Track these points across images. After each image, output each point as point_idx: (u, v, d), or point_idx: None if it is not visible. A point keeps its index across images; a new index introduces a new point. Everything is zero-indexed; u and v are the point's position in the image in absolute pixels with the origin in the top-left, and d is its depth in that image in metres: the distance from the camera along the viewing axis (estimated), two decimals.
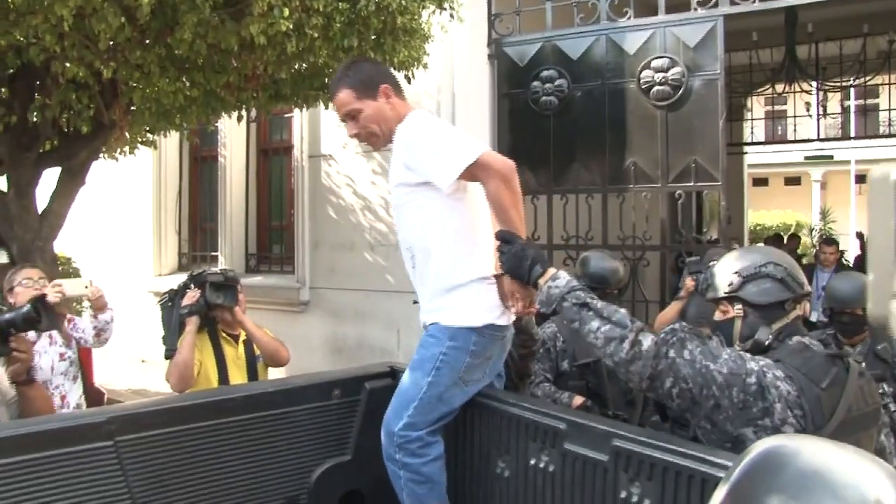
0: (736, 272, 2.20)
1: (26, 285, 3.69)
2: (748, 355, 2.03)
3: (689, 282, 4.20)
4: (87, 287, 3.83)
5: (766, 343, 2.10)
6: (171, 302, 3.84)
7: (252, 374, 3.79)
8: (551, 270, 2.25)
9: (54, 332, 3.73)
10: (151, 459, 1.98)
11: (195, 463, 2.06)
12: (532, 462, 2.17)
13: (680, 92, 5.60)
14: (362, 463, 2.37)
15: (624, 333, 2.06)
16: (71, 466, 1.86)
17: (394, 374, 2.65)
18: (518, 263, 2.27)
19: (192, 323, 3.65)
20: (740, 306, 2.19)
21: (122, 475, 1.91)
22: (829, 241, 9.10)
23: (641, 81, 5.72)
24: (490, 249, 2.44)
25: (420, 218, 2.44)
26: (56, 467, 1.85)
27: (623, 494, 1.90)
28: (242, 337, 3.82)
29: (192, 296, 3.70)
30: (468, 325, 2.39)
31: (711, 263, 4.58)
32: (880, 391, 3.40)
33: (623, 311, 2.16)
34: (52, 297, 3.41)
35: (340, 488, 2.30)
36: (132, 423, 1.95)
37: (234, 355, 3.77)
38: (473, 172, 2.31)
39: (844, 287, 3.65)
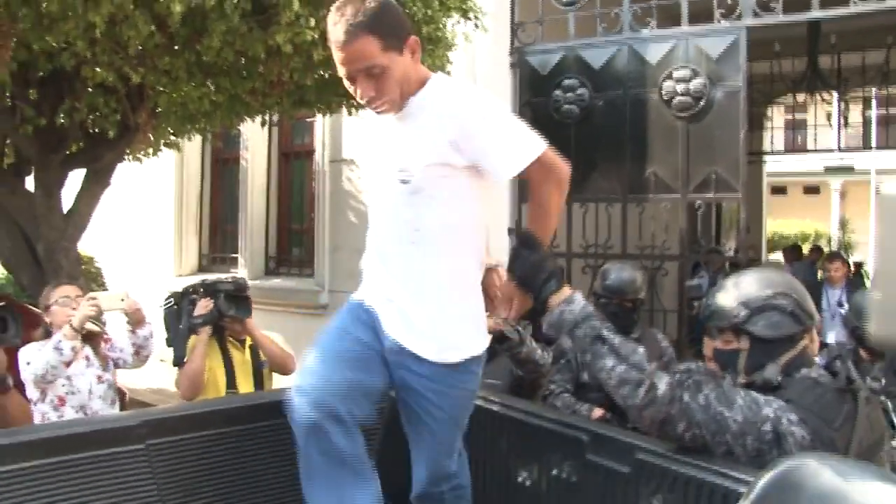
0: (743, 303, 2.05)
1: (63, 304, 3.50)
2: (762, 398, 1.92)
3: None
4: (122, 300, 3.57)
5: (776, 382, 1.99)
6: (175, 306, 3.84)
7: (258, 379, 3.81)
8: (566, 291, 2.06)
9: (90, 353, 3.52)
10: (181, 463, 2.03)
11: (224, 467, 2.10)
12: (554, 472, 2.20)
13: (701, 103, 5.60)
14: (386, 469, 2.41)
15: (641, 378, 1.92)
16: (103, 469, 1.91)
17: None
18: (534, 274, 2.06)
19: (205, 332, 3.67)
20: (746, 339, 2.05)
21: (152, 478, 1.96)
22: (833, 255, 8.56)
23: (663, 92, 5.73)
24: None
25: (454, 205, 2.06)
26: (89, 469, 1.89)
27: None
28: (248, 342, 3.84)
29: (205, 305, 3.70)
30: (485, 347, 2.18)
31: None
32: (887, 409, 3.40)
33: (641, 349, 2.01)
34: (88, 310, 3.29)
35: None
36: (163, 428, 2.00)
37: (241, 360, 3.80)
38: (533, 168, 2.01)
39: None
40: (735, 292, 2.09)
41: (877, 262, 0.71)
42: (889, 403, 3.44)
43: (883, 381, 3.46)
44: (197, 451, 2.06)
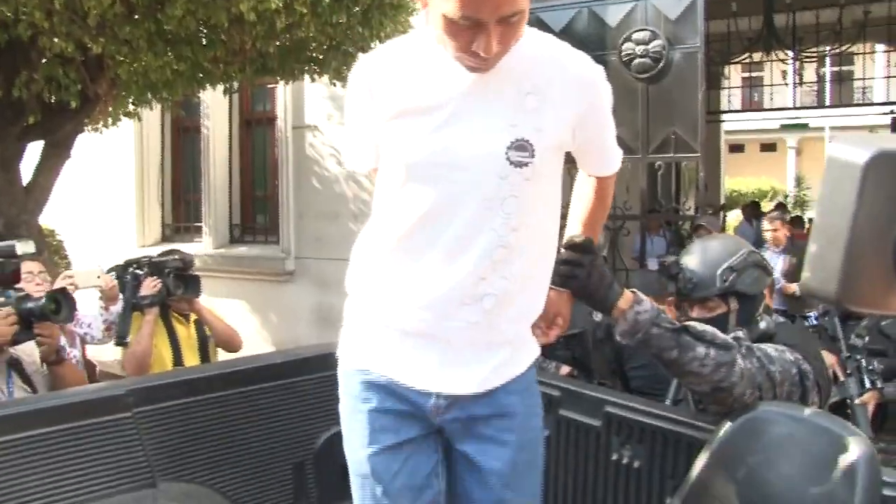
0: (729, 266, 2.16)
1: (27, 279, 3.42)
2: (778, 347, 2.02)
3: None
4: (98, 277, 3.62)
5: (772, 331, 2.12)
6: (117, 279, 3.74)
7: (204, 354, 3.78)
8: (628, 293, 1.89)
9: None
10: (168, 430, 2.08)
11: (209, 432, 2.16)
12: None
13: (660, 64, 5.68)
14: None
15: (733, 356, 1.89)
16: (91, 438, 1.96)
17: None
18: (598, 282, 1.81)
19: (152, 313, 3.58)
20: (735, 300, 2.17)
21: (140, 446, 2.02)
22: (775, 215, 7.05)
23: (623, 54, 5.80)
24: None
25: (553, 199, 1.65)
26: (77, 439, 1.94)
27: (615, 457, 2.04)
28: (193, 317, 3.80)
29: (152, 284, 3.60)
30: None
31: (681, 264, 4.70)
32: (870, 367, 3.56)
33: (710, 327, 1.98)
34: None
35: (343, 454, 2.42)
36: (150, 395, 2.05)
37: (187, 335, 3.75)
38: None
39: None
40: (712, 260, 2.20)
41: (816, 217, 0.75)
42: (863, 361, 3.60)
43: (867, 338, 3.62)
44: (184, 418, 2.12)
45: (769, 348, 2.03)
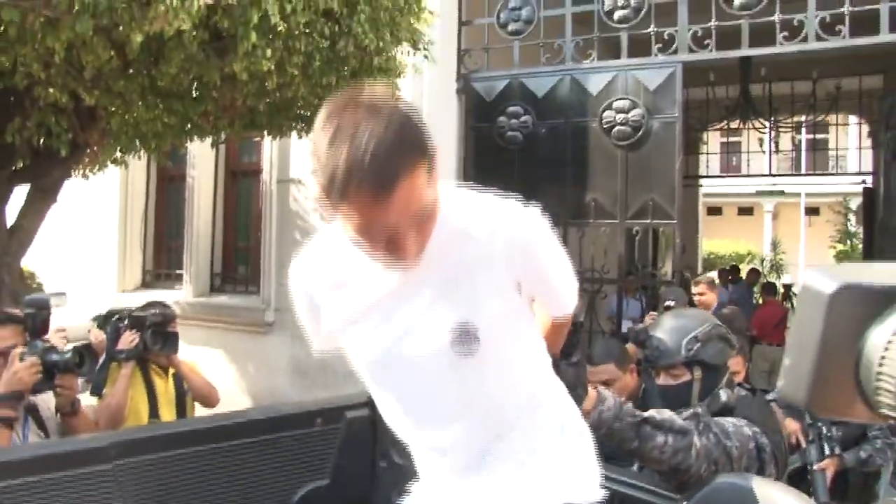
0: (694, 336, 2.28)
1: None
2: (734, 421, 2.11)
3: (647, 318, 4.43)
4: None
5: (732, 405, 2.20)
6: (98, 329, 3.75)
7: (181, 408, 3.74)
8: (592, 392, 1.98)
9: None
10: (148, 484, 2.11)
11: (189, 486, 2.19)
12: None
13: (640, 133, 5.87)
14: (340, 486, 2.52)
15: (690, 441, 1.98)
16: (71, 490, 1.98)
17: (372, 403, 2.80)
18: (574, 382, 1.86)
19: (129, 367, 3.52)
20: (699, 370, 2.28)
21: (121, 499, 2.04)
22: (702, 278, 6.63)
23: (603, 121, 5.98)
24: None
25: (523, 361, 1.56)
26: (56, 491, 1.96)
27: None
28: (172, 370, 3.77)
29: (130, 339, 3.54)
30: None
31: (667, 303, 4.77)
32: (829, 434, 3.65)
33: (666, 411, 2.06)
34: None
35: None
36: (131, 448, 2.08)
37: (164, 389, 3.71)
38: None
39: None
40: (678, 330, 2.32)
41: (791, 334, 0.84)
42: (824, 429, 3.68)
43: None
44: (164, 472, 2.15)
45: (727, 423, 2.11)
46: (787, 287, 14.53)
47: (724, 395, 2.23)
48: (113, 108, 4.73)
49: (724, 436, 2.06)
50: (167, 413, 3.68)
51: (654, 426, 1.98)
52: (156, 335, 3.59)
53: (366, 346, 1.52)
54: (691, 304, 5.53)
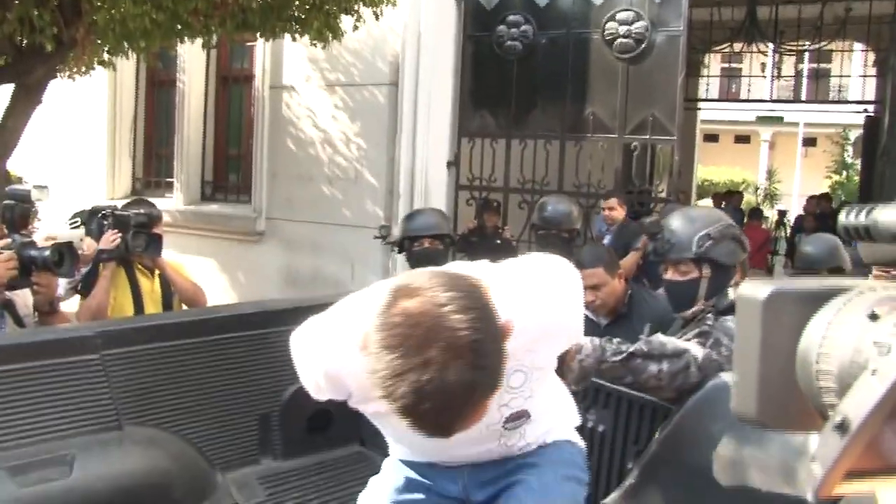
0: (705, 234, 2.23)
1: None
2: None
3: (643, 239, 4.39)
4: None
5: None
6: (83, 225, 3.61)
7: (168, 309, 3.58)
8: (570, 348, 1.92)
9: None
10: (135, 374, 2.08)
11: (176, 379, 2.16)
12: None
13: (642, 46, 5.70)
14: None
15: (687, 360, 1.96)
16: (58, 378, 1.95)
17: None
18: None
19: (109, 268, 3.38)
20: (708, 267, 2.24)
21: (107, 388, 2.01)
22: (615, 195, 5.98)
23: (605, 33, 5.81)
24: None
25: (551, 408, 1.75)
26: (44, 378, 1.93)
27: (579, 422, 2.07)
28: (157, 271, 3.63)
29: (111, 239, 3.36)
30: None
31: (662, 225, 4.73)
32: None
33: (658, 335, 2.08)
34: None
35: (310, 407, 2.43)
36: (118, 339, 2.04)
37: (150, 289, 3.57)
38: None
39: (811, 249, 3.88)
40: (692, 225, 2.26)
41: (735, 349, 0.83)
42: None
43: None
44: (151, 363, 2.11)
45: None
46: (782, 213, 14.55)
47: (732, 293, 2.19)
48: (98, 3, 4.54)
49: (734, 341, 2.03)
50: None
51: (643, 357, 1.96)
52: (138, 236, 3.43)
53: (412, 446, 1.69)
54: None
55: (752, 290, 0.76)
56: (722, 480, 1.67)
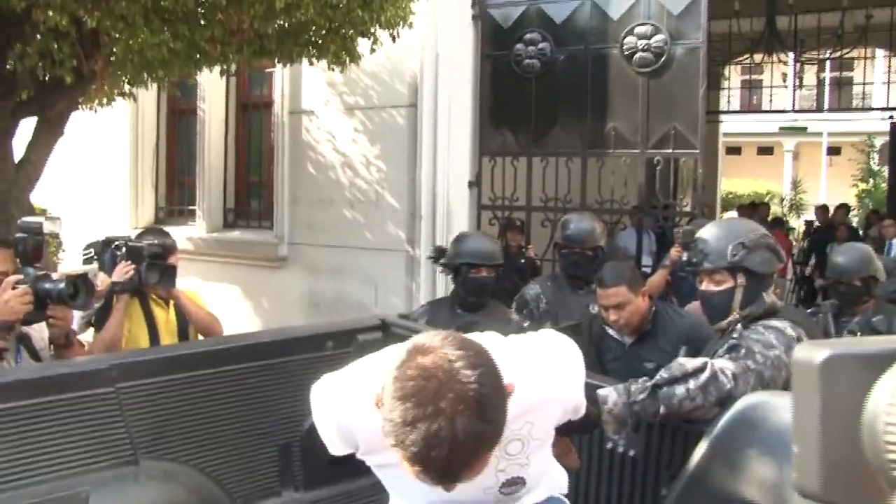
0: (740, 243, 2.23)
1: None
2: (784, 323, 2.11)
3: (674, 252, 4.33)
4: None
5: (777, 307, 2.19)
6: (96, 257, 3.52)
7: (184, 339, 3.51)
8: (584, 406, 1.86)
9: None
10: (151, 406, 2.04)
11: (193, 410, 2.11)
12: None
13: (662, 59, 5.64)
14: None
15: (712, 370, 1.94)
16: (74, 412, 1.91)
17: (385, 326, 2.71)
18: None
19: (123, 300, 3.31)
20: (743, 276, 2.23)
21: (122, 421, 1.97)
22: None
23: (624, 47, 5.75)
24: None
25: (545, 472, 1.78)
26: (59, 413, 1.89)
27: (610, 446, 2.00)
28: (174, 302, 3.56)
29: (124, 270, 3.29)
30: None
31: (696, 235, 4.69)
32: None
33: (680, 358, 2.08)
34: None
35: None
36: (133, 371, 2.00)
37: (165, 320, 3.50)
38: None
39: (842, 258, 3.78)
40: (726, 235, 2.26)
41: (793, 419, 0.79)
42: None
43: (858, 333, 3.62)
44: (168, 396, 2.07)
45: (770, 333, 2.06)
46: (809, 223, 14.32)
47: (768, 298, 2.19)
48: (117, 34, 4.57)
49: (769, 348, 2.01)
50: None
51: (667, 383, 1.96)
52: (152, 267, 3.36)
53: (411, 498, 1.68)
54: None
55: (807, 353, 0.71)
56: None
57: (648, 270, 5.40)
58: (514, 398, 1.38)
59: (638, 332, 3.21)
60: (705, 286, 2.29)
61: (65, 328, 2.74)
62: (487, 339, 1.49)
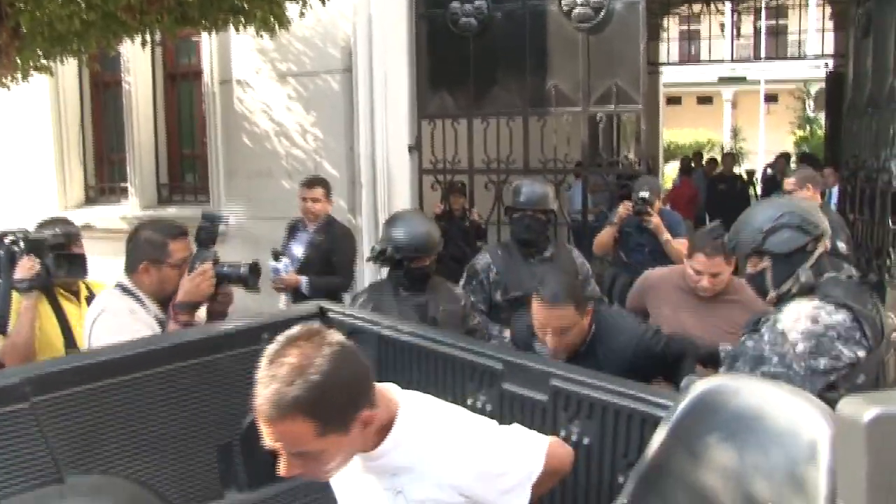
0: (757, 229, 2.40)
1: None
2: (807, 306, 2.27)
3: (622, 209, 4.24)
4: None
5: (812, 283, 2.32)
6: None
7: None
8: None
9: None
10: (73, 418, 1.88)
11: (121, 418, 1.96)
12: (469, 402, 2.15)
13: (601, 14, 5.53)
14: None
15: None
16: None
17: (323, 314, 2.58)
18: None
19: (31, 298, 3.07)
20: (767, 258, 2.39)
21: (41, 438, 1.81)
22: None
23: (563, 3, 5.62)
24: None
25: None
26: None
27: (563, 433, 1.91)
28: (84, 293, 3.31)
29: (28, 266, 3.06)
30: None
31: (641, 193, 4.64)
32: None
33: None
34: None
35: None
36: (50, 383, 1.83)
37: (78, 314, 3.22)
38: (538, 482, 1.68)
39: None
40: (748, 223, 2.45)
41: (841, 477, 0.78)
42: None
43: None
44: (90, 404, 1.91)
45: (787, 318, 2.27)
46: (750, 174, 14.51)
47: (803, 275, 2.32)
48: (21, 5, 4.26)
49: (758, 363, 2.20)
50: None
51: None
52: (59, 259, 3.13)
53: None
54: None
55: (852, 409, 0.68)
56: (725, 492, 1.52)
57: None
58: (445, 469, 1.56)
59: (573, 354, 2.79)
60: (749, 269, 2.47)
61: (227, 307, 2.82)
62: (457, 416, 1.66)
